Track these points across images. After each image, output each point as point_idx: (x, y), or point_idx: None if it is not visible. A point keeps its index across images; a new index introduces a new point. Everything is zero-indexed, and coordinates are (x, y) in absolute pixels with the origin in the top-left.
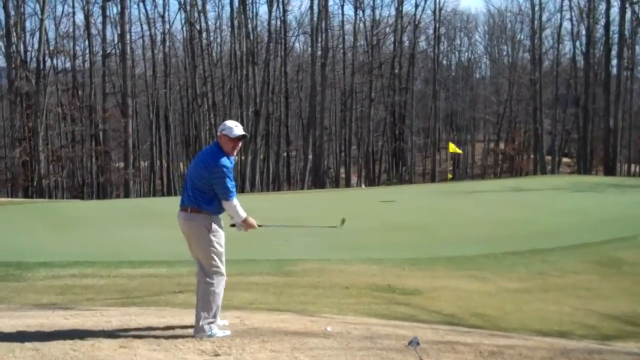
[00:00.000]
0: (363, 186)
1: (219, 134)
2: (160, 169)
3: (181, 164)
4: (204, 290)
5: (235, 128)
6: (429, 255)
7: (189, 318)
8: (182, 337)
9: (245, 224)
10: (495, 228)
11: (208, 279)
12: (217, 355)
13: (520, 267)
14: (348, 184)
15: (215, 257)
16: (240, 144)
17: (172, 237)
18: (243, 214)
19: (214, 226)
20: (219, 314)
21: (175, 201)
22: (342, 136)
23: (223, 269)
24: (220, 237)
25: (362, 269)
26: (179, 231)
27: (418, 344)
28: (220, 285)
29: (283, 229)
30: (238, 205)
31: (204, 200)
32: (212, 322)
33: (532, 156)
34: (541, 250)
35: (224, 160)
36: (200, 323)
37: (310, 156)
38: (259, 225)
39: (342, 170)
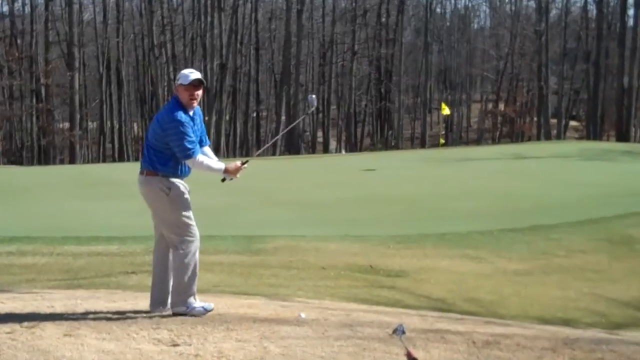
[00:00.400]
0: (343, 152)
1: (176, 83)
2: (111, 131)
3: (135, 125)
4: (176, 263)
5: (191, 74)
6: (417, 232)
7: (143, 302)
8: (136, 324)
9: (228, 172)
10: (492, 201)
11: (176, 249)
12: (175, 345)
13: (521, 245)
14: (326, 150)
15: (179, 224)
16: (199, 93)
17: (125, 209)
18: (218, 166)
19: (173, 190)
20: (195, 285)
21: (128, 168)
22: (320, 94)
23: (193, 232)
24: (181, 203)
25: (341, 247)
26: (131, 202)
27: (404, 332)
28: (192, 253)
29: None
30: (206, 160)
31: (159, 160)
32: (189, 295)
33: (535, 119)
34: (544, 227)
35: (180, 115)
36: (178, 297)
37: (283, 117)
38: (243, 163)
39: (320, 133)
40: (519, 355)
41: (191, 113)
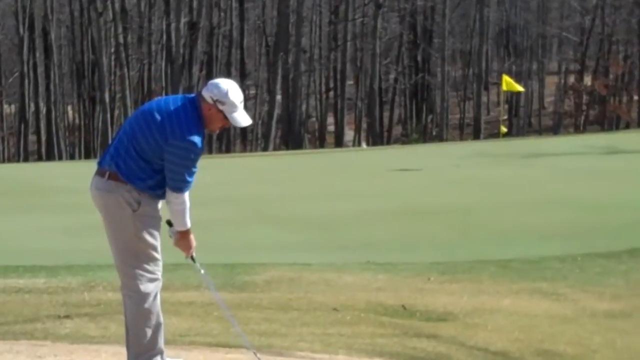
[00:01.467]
0: (364, 145)
1: (208, 97)
2: (35, 117)
3: (70, 109)
4: (131, 310)
5: (240, 107)
6: (469, 258)
7: (80, 357)
8: None
9: (181, 238)
10: (575, 214)
11: (134, 291)
12: None
13: (615, 277)
14: (340, 142)
15: (139, 254)
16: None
17: (56, 227)
18: (188, 222)
19: (143, 206)
20: (161, 340)
21: (60, 169)
22: (330, 65)
23: (157, 270)
24: (150, 225)
25: (360, 279)
26: (65, 217)
27: None
28: (152, 296)
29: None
30: (187, 206)
31: (138, 170)
32: (154, 356)
33: (635, 98)
34: None
35: (199, 138)
36: (138, 358)
37: (278, 97)
38: (192, 257)
39: (331, 119)
40: None
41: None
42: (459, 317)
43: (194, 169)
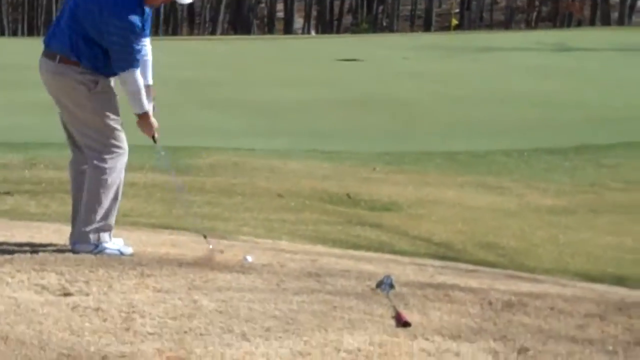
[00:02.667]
0: (313, 33)
1: None
2: None
3: None
4: (94, 181)
5: None
6: (415, 149)
7: (22, 234)
8: (11, 263)
9: (142, 120)
10: (524, 110)
11: (96, 162)
12: (67, 294)
13: (561, 173)
14: (289, 29)
15: (103, 129)
16: None
17: None
18: (145, 104)
19: (100, 85)
20: (114, 217)
21: (2, 46)
22: None
23: (122, 144)
24: (109, 102)
25: (305, 167)
26: (5, 93)
27: (392, 287)
28: (117, 170)
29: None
30: (140, 87)
31: (87, 50)
32: (103, 230)
33: None
34: (595, 148)
35: (136, 17)
36: (85, 228)
37: None
38: (153, 137)
39: (280, 6)
40: (553, 323)
41: (149, 11)
42: (404, 207)
43: (136, 47)
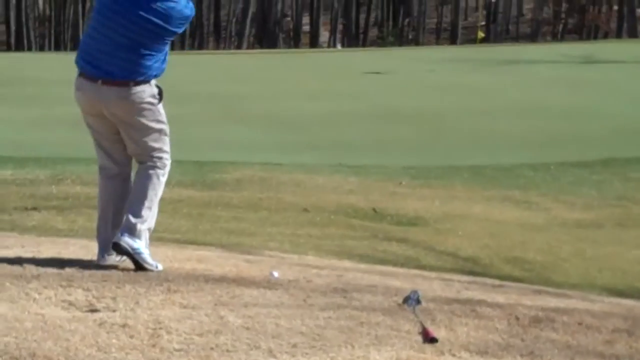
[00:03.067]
0: (339, 46)
1: None
2: (5, 6)
3: None
4: (147, 178)
5: None
6: (442, 163)
7: (47, 249)
8: (38, 280)
9: None
10: (550, 123)
11: (160, 163)
12: (93, 310)
13: (588, 186)
14: (315, 43)
15: (162, 137)
16: None
17: (24, 118)
18: None
19: (160, 94)
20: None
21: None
22: None
23: (169, 151)
24: (163, 111)
25: (331, 181)
26: (33, 109)
27: (418, 302)
28: (166, 175)
29: None
30: None
31: (152, 61)
32: (150, 228)
33: (615, 7)
34: (622, 161)
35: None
36: (135, 223)
37: None
38: None
39: (306, 20)
40: (581, 339)
41: None
42: (430, 222)
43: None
